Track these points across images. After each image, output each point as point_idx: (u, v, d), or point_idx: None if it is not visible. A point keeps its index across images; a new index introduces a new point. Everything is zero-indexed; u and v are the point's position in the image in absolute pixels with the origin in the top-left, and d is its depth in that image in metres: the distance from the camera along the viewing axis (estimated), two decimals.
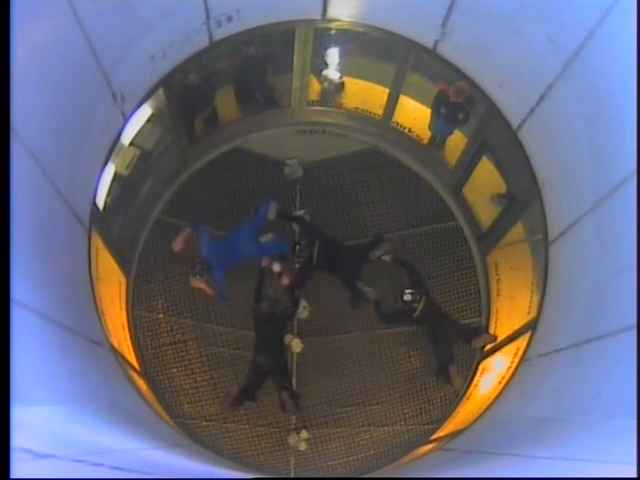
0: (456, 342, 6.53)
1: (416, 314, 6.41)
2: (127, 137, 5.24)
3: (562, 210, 4.59)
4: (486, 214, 6.52)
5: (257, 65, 6.31)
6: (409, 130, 6.84)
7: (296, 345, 6.58)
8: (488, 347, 6.37)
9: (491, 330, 6.40)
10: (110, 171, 5.14)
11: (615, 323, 3.35)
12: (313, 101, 6.77)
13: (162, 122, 5.89)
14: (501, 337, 6.06)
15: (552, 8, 3.80)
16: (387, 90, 6.46)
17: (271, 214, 6.55)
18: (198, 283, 6.38)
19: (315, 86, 6.69)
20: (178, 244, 6.38)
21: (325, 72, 6.56)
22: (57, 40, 3.45)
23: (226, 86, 6.51)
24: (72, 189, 4.13)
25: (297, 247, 6.60)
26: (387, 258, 6.65)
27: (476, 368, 6.48)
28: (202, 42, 5.07)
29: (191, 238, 6.40)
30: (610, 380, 3.24)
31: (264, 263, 6.47)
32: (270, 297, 6.39)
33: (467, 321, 6.75)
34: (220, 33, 5.07)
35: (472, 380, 6.48)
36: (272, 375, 6.25)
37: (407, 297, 6.42)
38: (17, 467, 1.89)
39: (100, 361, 4.41)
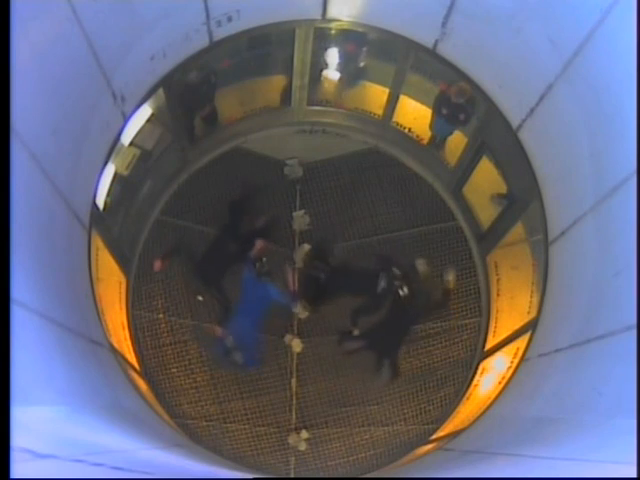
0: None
1: (403, 292, 6.11)
2: (127, 137, 5.25)
3: (562, 210, 4.59)
4: (486, 214, 6.52)
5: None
6: (409, 130, 6.83)
7: (296, 345, 6.58)
8: (488, 347, 6.37)
9: (490, 331, 6.41)
10: (110, 171, 5.14)
11: (615, 323, 3.35)
12: (313, 101, 6.77)
13: (162, 122, 5.89)
14: (501, 337, 6.05)
15: (552, 8, 3.81)
16: (387, 90, 6.45)
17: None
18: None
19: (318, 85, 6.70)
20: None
21: (325, 72, 6.57)
22: (57, 40, 3.45)
23: (226, 86, 6.50)
24: (72, 189, 4.13)
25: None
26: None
27: (476, 368, 6.47)
28: (202, 42, 5.07)
29: None
30: (610, 380, 3.24)
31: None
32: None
33: None
34: (220, 33, 5.07)
35: (472, 380, 6.48)
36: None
37: (382, 284, 6.14)
38: (17, 467, 1.89)
39: (100, 361, 4.41)
